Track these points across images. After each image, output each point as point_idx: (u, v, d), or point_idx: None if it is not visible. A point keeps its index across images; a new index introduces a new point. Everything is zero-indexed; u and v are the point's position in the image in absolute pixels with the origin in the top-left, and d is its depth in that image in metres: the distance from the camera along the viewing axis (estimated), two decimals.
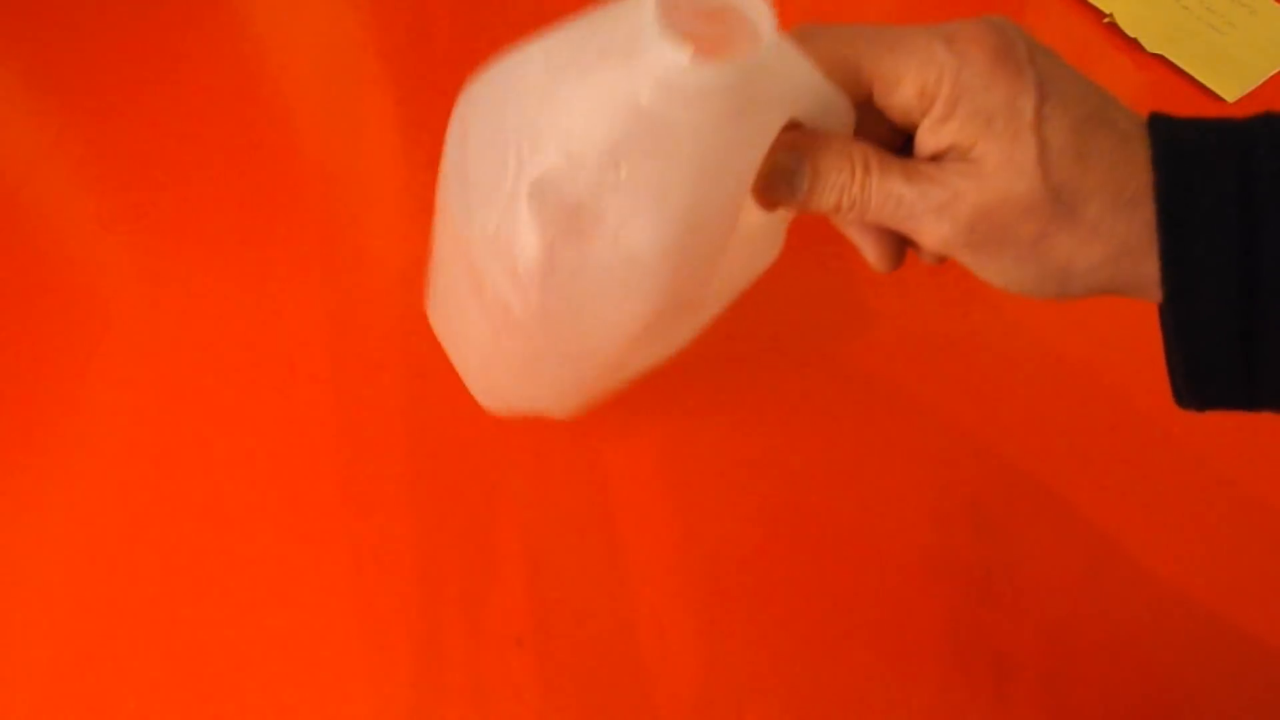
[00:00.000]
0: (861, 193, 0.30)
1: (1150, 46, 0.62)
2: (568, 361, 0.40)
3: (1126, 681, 0.43)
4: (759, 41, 0.28)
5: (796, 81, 0.30)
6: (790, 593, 0.45)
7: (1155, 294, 0.28)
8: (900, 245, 0.34)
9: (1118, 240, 0.28)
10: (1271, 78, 0.62)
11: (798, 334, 0.51)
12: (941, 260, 0.33)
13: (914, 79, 0.28)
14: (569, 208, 0.32)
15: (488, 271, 0.36)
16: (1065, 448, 0.49)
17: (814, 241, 0.56)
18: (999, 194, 0.28)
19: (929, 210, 0.29)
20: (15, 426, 0.49)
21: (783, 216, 0.37)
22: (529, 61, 0.34)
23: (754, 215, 0.34)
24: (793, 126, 0.31)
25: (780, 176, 0.31)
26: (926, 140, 0.29)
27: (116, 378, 0.51)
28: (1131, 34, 0.63)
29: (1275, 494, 0.47)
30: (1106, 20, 0.64)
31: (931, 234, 0.30)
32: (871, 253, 0.34)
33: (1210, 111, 0.60)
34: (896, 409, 0.50)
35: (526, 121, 0.32)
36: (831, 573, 0.46)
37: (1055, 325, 0.52)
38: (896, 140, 0.32)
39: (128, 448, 0.49)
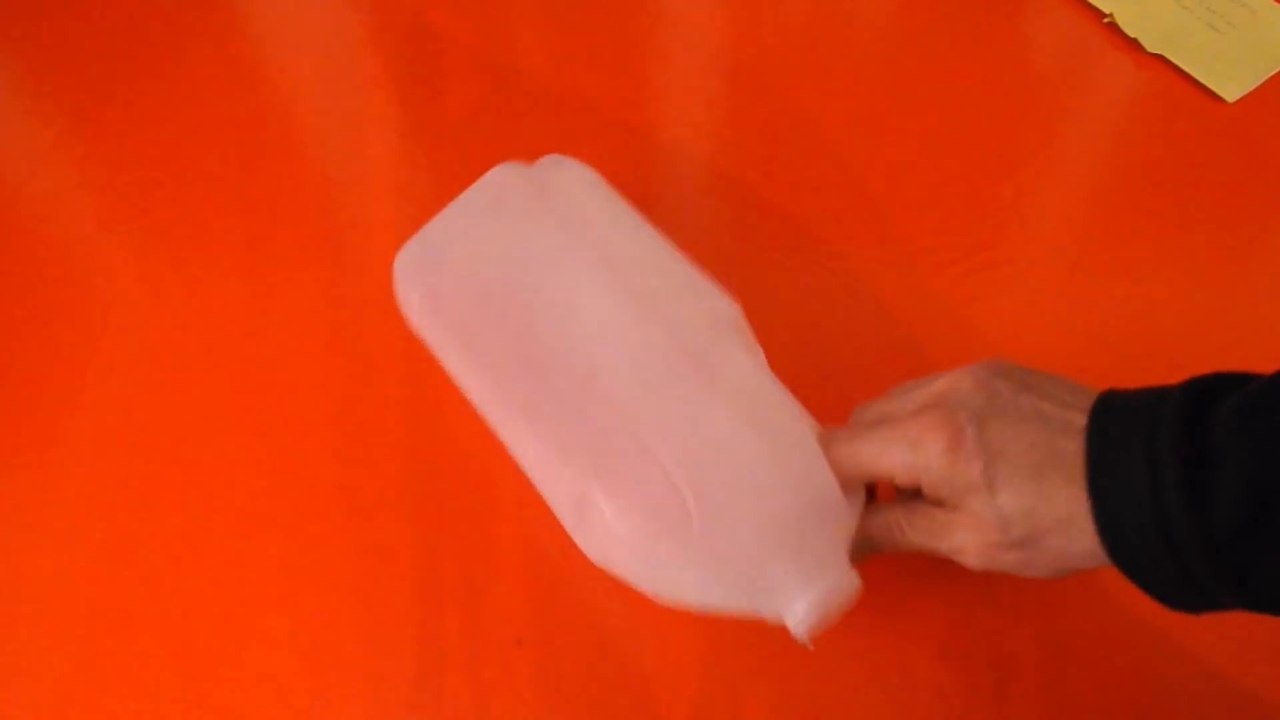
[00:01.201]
0: (901, 545, 0.40)
1: (1150, 46, 0.62)
2: None
3: (1126, 682, 0.43)
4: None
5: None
6: None
7: None
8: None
9: (1082, 554, 0.35)
10: (1271, 78, 0.62)
11: (799, 334, 0.51)
12: None
13: (901, 477, 0.38)
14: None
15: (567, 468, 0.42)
16: None
17: (816, 241, 0.56)
18: (984, 543, 0.37)
19: (949, 552, 0.38)
20: (15, 426, 0.49)
21: None
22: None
23: None
24: None
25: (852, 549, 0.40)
26: (929, 495, 0.38)
27: (116, 378, 0.51)
28: (1131, 34, 0.63)
29: None
30: (1106, 20, 0.64)
31: (954, 560, 0.39)
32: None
33: (1210, 111, 0.60)
34: None
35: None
36: None
37: (1057, 328, 0.52)
38: None
39: (127, 447, 0.49)
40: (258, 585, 0.45)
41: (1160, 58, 0.62)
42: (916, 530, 0.39)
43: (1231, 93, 0.61)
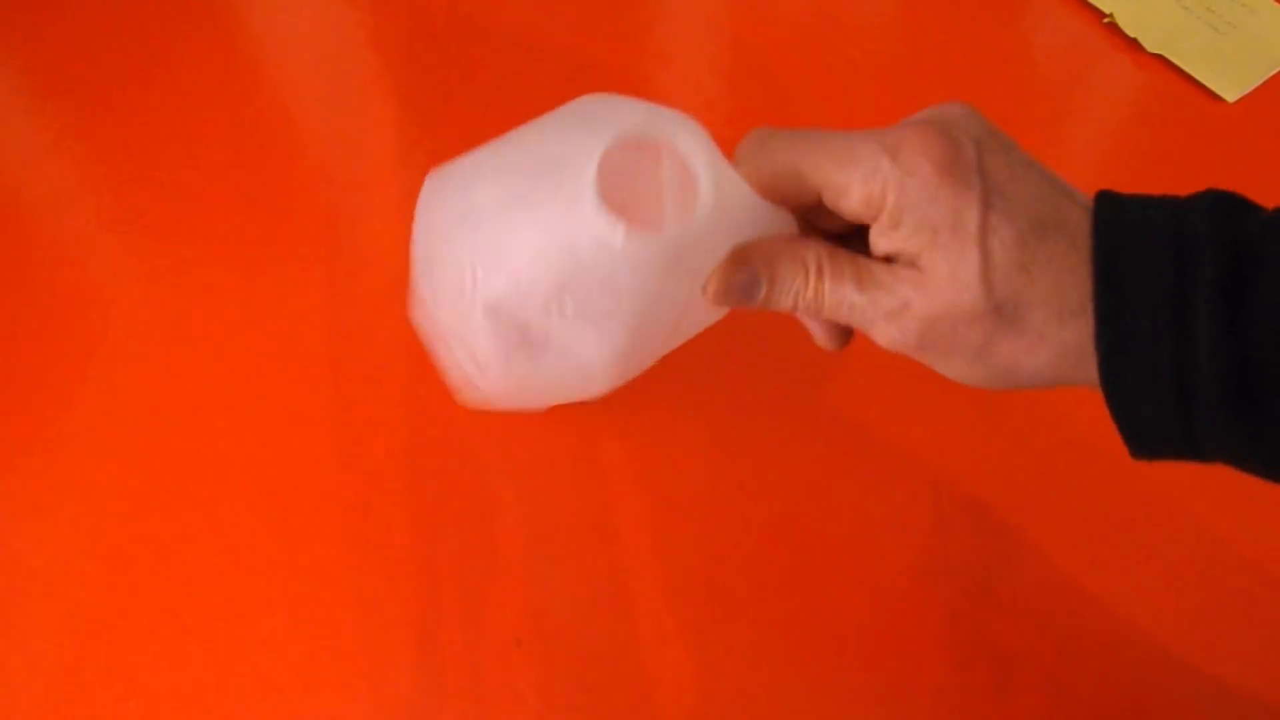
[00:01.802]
0: (815, 297, 0.31)
1: (1150, 46, 0.62)
2: (528, 401, 0.45)
3: (1126, 681, 0.43)
4: (694, 209, 0.30)
5: (738, 211, 0.31)
6: (789, 593, 0.45)
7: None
8: (847, 330, 0.35)
9: (1061, 346, 0.28)
10: (1271, 78, 0.62)
11: (797, 337, 0.51)
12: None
13: (859, 190, 0.29)
14: (520, 327, 0.35)
15: (453, 337, 0.39)
16: (1065, 448, 0.49)
17: None
18: (944, 305, 0.28)
19: (879, 316, 0.30)
20: (15, 426, 0.49)
21: None
22: (483, 179, 0.36)
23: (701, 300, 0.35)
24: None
25: (738, 287, 0.32)
26: (877, 243, 0.30)
27: (116, 378, 0.51)
28: (1131, 34, 0.63)
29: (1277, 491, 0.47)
30: (1106, 20, 0.64)
31: (883, 336, 0.30)
32: (819, 335, 0.35)
33: (1210, 111, 0.60)
34: (896, 409, 0.50)
35: (481, 241, 0.35)
36: (831, 573, 0.46)
37: None
38: (853, 230, 0.32)
39: (127, 447, 0.49)
40: (257, 585, 0.45)
41: (1160, 58, 0.62)
42: (839, 276, 0.30)
43: (1231, 93, 0.61)
